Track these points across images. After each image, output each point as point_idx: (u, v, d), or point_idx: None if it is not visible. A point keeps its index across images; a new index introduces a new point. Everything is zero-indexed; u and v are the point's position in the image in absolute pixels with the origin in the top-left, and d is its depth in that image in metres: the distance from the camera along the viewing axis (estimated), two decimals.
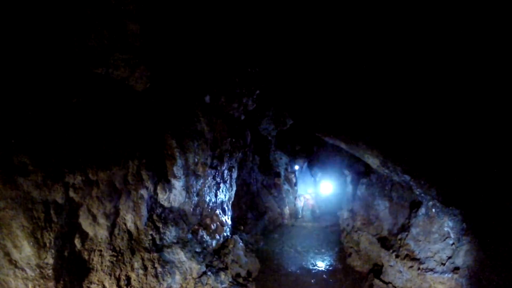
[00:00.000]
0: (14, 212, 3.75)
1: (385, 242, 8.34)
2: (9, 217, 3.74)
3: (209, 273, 6.78)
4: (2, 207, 3.67)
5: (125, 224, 5.46)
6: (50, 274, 4.09)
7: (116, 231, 5.29)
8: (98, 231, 4.94)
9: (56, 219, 4.14)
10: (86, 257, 4.79)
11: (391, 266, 7.52)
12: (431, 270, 6.37)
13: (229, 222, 8.66)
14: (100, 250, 4.98)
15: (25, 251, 3.89)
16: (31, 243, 3.88)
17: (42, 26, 4.03)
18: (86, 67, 4.63)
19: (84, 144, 4.56)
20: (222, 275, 7.08)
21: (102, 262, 4.97)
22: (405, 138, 6.07)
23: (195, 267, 6.46)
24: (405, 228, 7.62)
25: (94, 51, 4.58)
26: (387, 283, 7.49)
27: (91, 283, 4.81)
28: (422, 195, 6.48)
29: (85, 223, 4.72)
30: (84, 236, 4.74)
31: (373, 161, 7.23)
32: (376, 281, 7.73)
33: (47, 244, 4.04)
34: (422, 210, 6.99)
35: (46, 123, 4.07)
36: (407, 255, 7.10)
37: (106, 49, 4.67)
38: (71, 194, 4.40)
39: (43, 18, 4.02)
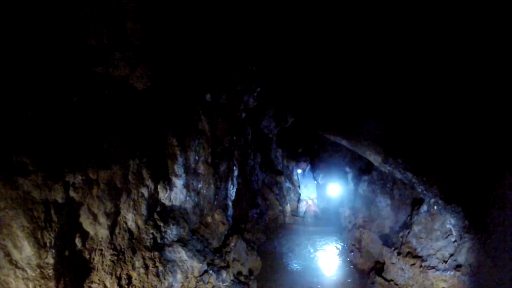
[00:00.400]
0: (14, 212, 3.74)
1: (386, 240, 8.34)
2: (9, 217, 3.73)
3: (210, 271, 6.77)
4: (2, 207, 3.66)
5: (126, 223, 5.44)
6: (51, 274, 4.07)
7: (117, 230, 5.28)
8: (99, 231, 4.92)
9: (56, 219, 4.13)
10: (87, 257, 4.77)
11: (393, 263, 7.51)
12: (433, 267, 6.36)
13: (230, 220, 8.65)
14: (101, 250, 4.97)
15: (26, 251, 3.87)
16: (32, 243, 3.87)
17: (42, 25, 4.02)
18: (85, 66, 4.61)
19: (84, 143, 4.54)
20: (224, 274, 7.07)
21: (103, 262, 4.96)
22: (407, 135, 6.06)
23: (197, 266, 6.44)
24: (407, 225, 7.60)
25: (94, 50, 4.56)
26: (389, 280, 7.48)
27: (92, 282, 4.80)
28: (424, 192, 6.46)
29: (85, 222, 4.71)
30: (84, 235, 4.72)
31: (375, 158, 7.20)
32: (378, 279, 7.73)
33: (48, 244, 4.02)
34: (424, 208, 6.97)
35: (46, 123, 4.05)
36: (409, 253, 7.09)
37: (106, 48, 4.65)
38: (72, 193, 4.39)
39: (43, 17, 4.01)
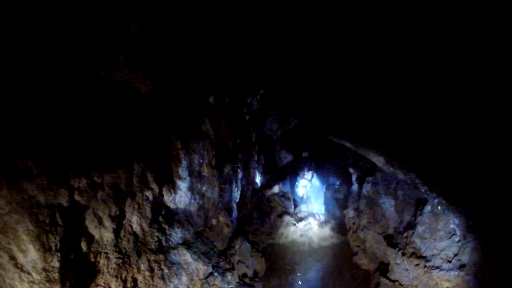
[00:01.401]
0: (20, 216, 3.77)
1: (391, 240, 8.30)
2: (15, 221, 3.76)
3: (215, 273, 6.78)
4: (7, 211, 3.69)
5: (131, 226, 5.46)
6: (56, 277, 4.10)
7: (122, 233, 5.30)
8: (104, 234, 4.95)
9: (61, 223, 4.16)
10: (92, 260, 4.80)
11: (397, 264, 7.49)
12: (437, 267, 6.34)
13: (235, 222, 8.65)
14: (106, 253, 4.99)
15: (31, 254, 3.90)
16: (37, 247, 3.90)
17: (45, 29, 4.04)
18: (89, 70, 4.63)
19: (88, 146, 4.56)
20: (229, 276, 7.08)
21: (108, 265, 4.98)
22: (410, 136, 6.05)
23: (202, 268, 6.46)
24: (411, 226, 7.58)
25: (97, 54, 4.58)
26: (393, 281, 7.46)
27: (97, 285, 4.83)
28: (428, 192, 6.45)
29: (90, 226, 4.74)
30: (90, 239, 4.75)
31: (378, 160, 7.19)
32: (383, 280, 7.70)
33: (53, 248, 4.05)
34: (428, 208, 6.95)
35: (50, 126, 4.08)
36: (413, 253, 7.07)
37: (109, 51, 4.68)
38: (77, 197, 4.42)
39: (46, 21, 4.04)
